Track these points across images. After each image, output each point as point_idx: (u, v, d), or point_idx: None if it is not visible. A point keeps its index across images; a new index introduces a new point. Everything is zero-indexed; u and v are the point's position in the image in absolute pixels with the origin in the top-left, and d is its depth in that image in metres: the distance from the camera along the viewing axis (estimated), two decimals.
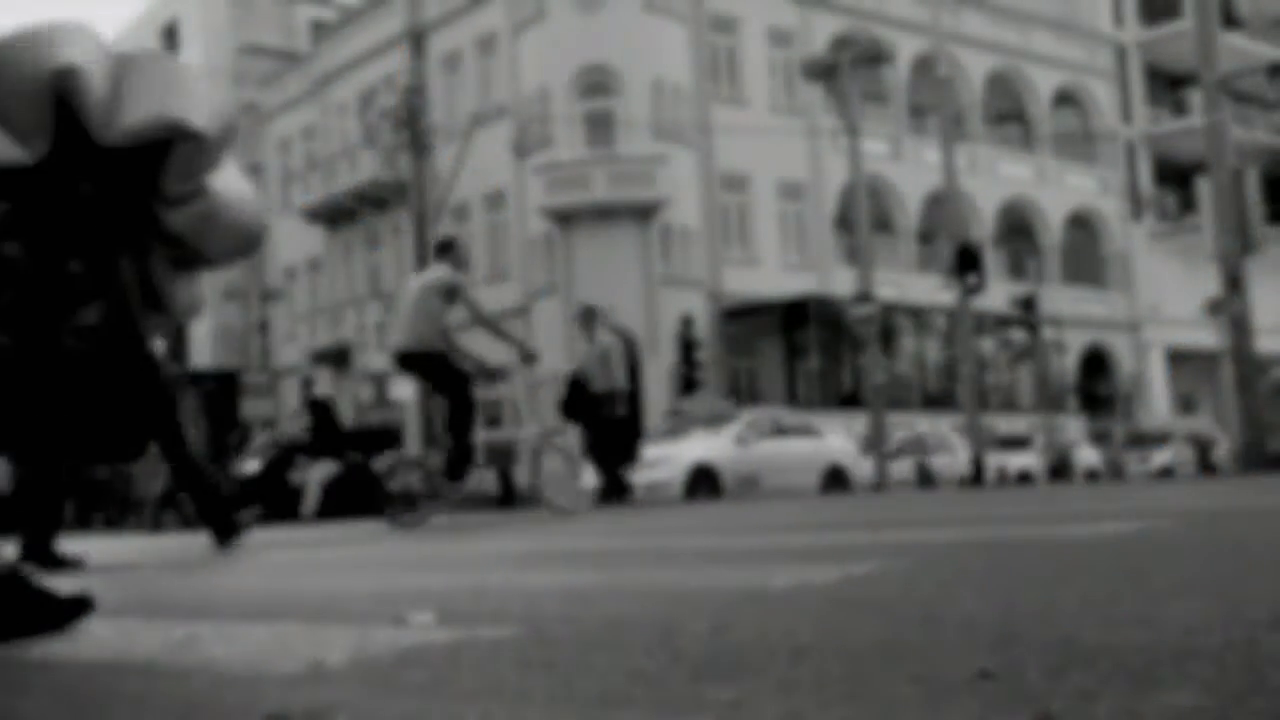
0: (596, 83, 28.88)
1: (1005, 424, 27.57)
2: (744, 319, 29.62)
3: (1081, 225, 38.72)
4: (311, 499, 18.33)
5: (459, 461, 8.76)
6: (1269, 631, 1.55)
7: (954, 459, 22.54)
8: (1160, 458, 27.10)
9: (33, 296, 4.75)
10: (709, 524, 6.38)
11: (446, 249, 9.34)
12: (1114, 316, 38.05)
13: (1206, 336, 30.32)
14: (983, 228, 34.77)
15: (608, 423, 12.81)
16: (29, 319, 4.73)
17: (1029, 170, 37.18)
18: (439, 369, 8.83)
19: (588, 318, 13.67)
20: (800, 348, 29.45)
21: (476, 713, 1.38)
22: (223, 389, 29.40)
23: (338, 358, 35.00)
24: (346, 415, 35.50)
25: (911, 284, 31.62)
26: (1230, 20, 36.43)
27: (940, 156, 23.32)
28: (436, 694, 1.51)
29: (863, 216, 22.43)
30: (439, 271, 9.02)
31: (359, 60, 35.54)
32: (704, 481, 16.06)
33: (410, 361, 8.99)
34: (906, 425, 26.60)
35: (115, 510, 21.14)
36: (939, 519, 5.33)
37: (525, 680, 1.57)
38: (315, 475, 18.58)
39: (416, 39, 33.45)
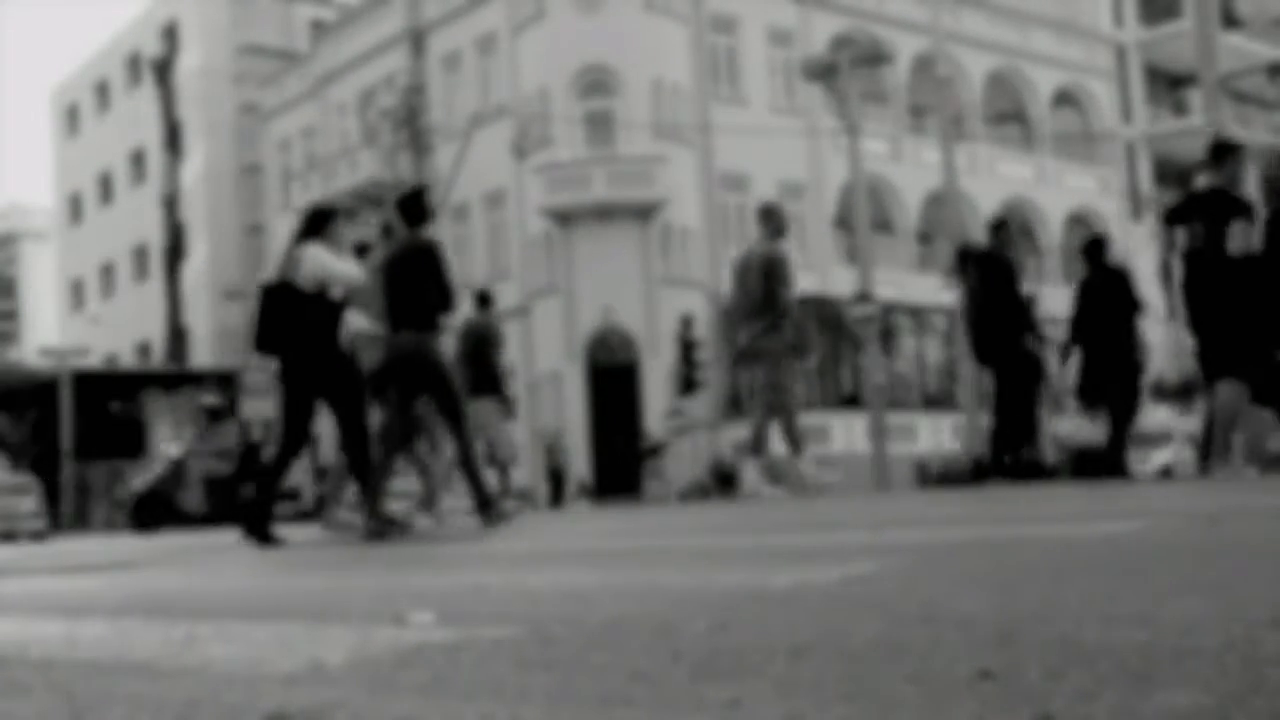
0: (596, 83, 28.88)
1: None
2: None
3: (1081, 225, 38.71)
4: None
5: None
6: (1269, 631, 1.55)
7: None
8: (1160, 458, 27.05)
9: None
10: (709, 524, 6.39)
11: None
12: None
13: None
14: (983, 228, 34.76)
15: None
16: None
17: (1029, 170, 37.17)
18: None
19: None
20: (801, 346, 29.41)
21: (476, 713, 1.38)
22: (223, 389, 29.41)
23: None
24: None
25: (911, 284, 31.61)
26: (1230, 20, 36.42)
27: (940, 156, 23.33)
28: (436, 694, 1.51)
29: (863, 216, 22.42)
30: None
31: (359, 60, 35.54)
32: None
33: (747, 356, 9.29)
34: (907, 425, 26.59)
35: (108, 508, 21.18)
36: (939, 519, 5.33)
37: (525, 680, 1.57)
38: None
39: (416, 39, 33.45)
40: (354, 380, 7.18)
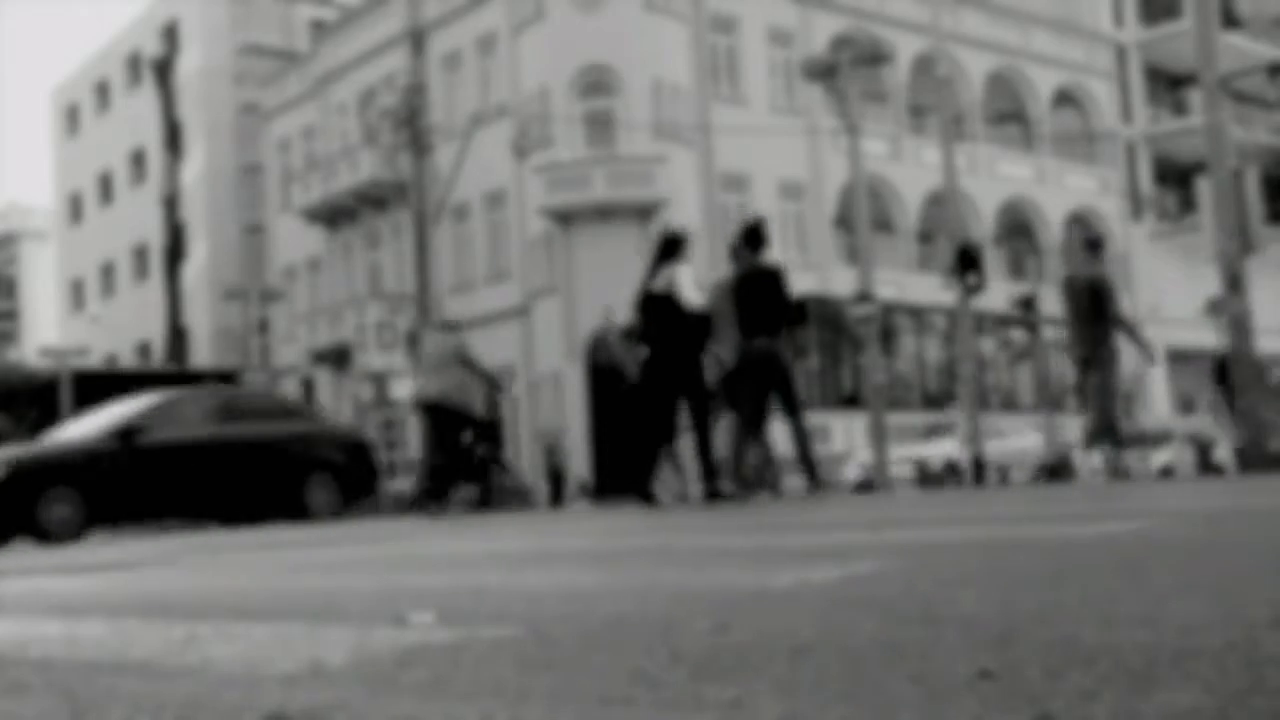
0: (596, 83, 28.88)
1: (1005, 424, 27.54)
2: None
3: (1081, 225, 38.71)
4: None
5: None
6: (1269, 631, 1.55)
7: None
8: (1160, 458, 27.04)
9: None
10: (709, 524, 6.38)
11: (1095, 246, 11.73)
12: None
13: (1206, 336, 30.32)
14: (983, 228, 34.76)
15: None
16: None
17: (1029, 170, 37.18)
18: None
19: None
20: (800, 347, 29.40)
21: (476, 713, 1.38)
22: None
23: (338, 358, 34.99)
24: (345, 416, 35.58)
25: (911, 284, 31.61)
26: (1230, 20, 36.42)
27: (940, 156, 23.31)
28: (436, 694, 1.51)
29: (863, 216, 22.40)
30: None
31: (359, 60, 35.54)
32: None
33: None
34: (908, 426, 26.55)
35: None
36: (939, 519, 5.33)
37: (525, 680, 1.57)
38: None
39: (416, 39, 33.45)
40: (702, 380, 8.76)
